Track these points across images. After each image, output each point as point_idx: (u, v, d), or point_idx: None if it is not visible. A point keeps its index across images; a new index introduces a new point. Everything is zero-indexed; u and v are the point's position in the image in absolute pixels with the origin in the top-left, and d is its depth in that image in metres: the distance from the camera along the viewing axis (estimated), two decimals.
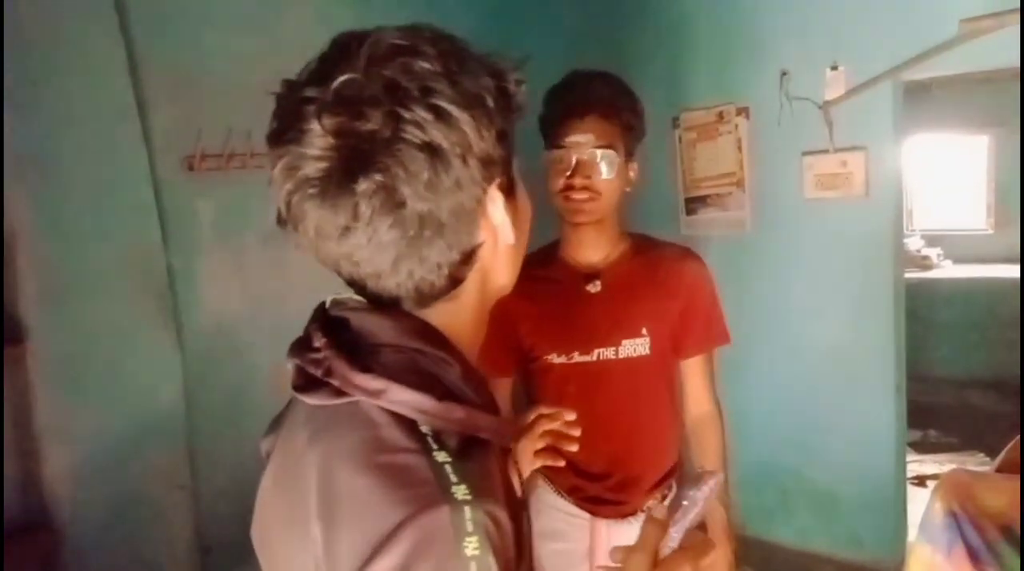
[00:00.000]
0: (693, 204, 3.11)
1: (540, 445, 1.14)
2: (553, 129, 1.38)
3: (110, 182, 2.10)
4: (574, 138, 1.35)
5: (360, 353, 0.65)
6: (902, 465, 2.98)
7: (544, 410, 1.16)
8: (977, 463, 3.78)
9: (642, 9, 3.12)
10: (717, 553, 1.48)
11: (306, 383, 0.66)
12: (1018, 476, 1.50)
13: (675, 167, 3.13)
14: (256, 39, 2.48)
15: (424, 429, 0.61)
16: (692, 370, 1.54)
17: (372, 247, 0.62)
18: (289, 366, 0.69)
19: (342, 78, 0.60)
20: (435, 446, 0.60)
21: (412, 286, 0.66)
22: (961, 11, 2.22)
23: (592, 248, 1.46)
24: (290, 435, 0.71)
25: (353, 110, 0.59)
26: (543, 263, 1.49)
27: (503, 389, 1.51)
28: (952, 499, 1.38)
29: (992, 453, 1.51)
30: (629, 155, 1.43)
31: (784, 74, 2.79)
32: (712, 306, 1.53)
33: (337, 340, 0.66)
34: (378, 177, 0.59)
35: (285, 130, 0.62)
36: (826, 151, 2.75)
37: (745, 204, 2.98)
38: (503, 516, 0.60)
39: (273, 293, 2.48)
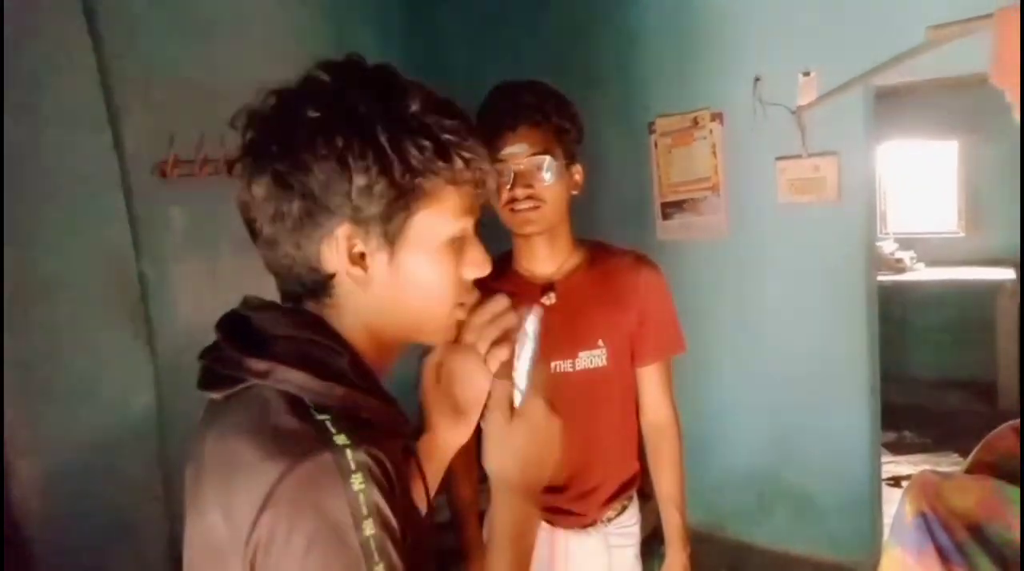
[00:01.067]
0: (669, 209, 3.13)
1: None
2: (487, 143, 1.36)
3: (80, 189, 2.07)
4: (508, 150, 1.33)
5: (256, 344, 0.72)
6: (877, 466, 3.01)
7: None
8: (951, 463, 3.83)
9: (617, 16, 3.14)
10: (672, 558, 1.49)
11: (211, 380, 0.73)
12: (986, 477, 1.52)
13: (651, 172, 3.15)
14: (229, 47, 2.46)
15: (308, 403, 0.67)
16: (649, 378, 1.53)
17: (249, 194, 0.74)
18: (199, 366, 0.76)
19: (279, 97, 0.75)
20: (316, 412, 0.66)
21: (292, 278, 0.76)
22: (932, 18, 2.25)
23: (545, 259, 1.45)
24: (200, 428, 0.76)
25: (252, 129, 0.75)
26: (495, 276, 1.47)
27: None
28: (921, 500, 1.39)
29: (965, 453, 1.53)
30: (570, 159, 1.41)
31: (757, 79, 2.82)
32: (667, 314, 1.53)
33: (236, 334, 0.73)
34: (270, 146, 0.73)
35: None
36: (799, 156, 2.78)
37: (720, 208, 3.01)
38: (387, 461, 0.65)
39: None
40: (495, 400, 0.82)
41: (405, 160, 0.70)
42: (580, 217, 2.59)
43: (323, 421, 0.65)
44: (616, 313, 1.45)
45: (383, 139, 0.70)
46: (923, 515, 1.40)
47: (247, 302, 0.78)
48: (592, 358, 1.43)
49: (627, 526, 1.53)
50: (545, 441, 0.82)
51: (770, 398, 3.07)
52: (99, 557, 2.04)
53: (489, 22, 3.45)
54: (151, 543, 2.19)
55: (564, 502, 1.44)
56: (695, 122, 2.99)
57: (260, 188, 0.72)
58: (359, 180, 0.69)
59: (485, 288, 1.45)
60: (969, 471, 1.64)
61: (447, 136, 0.73)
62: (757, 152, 2.88)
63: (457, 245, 0.78)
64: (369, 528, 0.61)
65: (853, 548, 2.94)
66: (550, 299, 1.43)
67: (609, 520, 1.49)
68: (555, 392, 1.38)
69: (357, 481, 0.62)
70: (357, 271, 0.73)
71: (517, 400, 0.82)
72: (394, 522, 0.63)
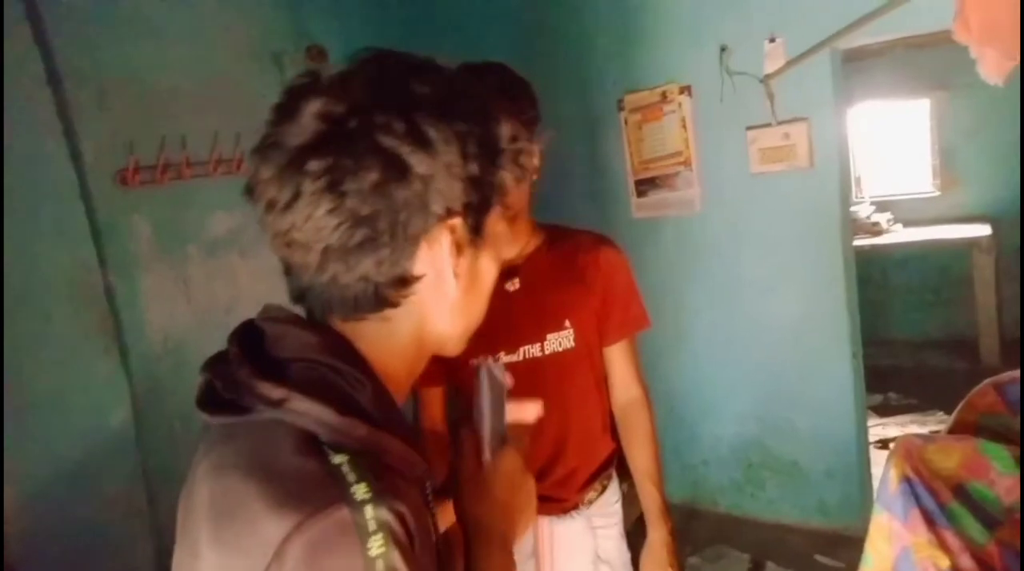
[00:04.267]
0: (643, 186, 3.11)
1: None
2: None
3: (39, 202, 2.02)
4: None
5: (270, 365, 0.64)
6: (863, 431, 3.03)
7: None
8: (937, 422, 3.87)
9: None
10: (653, 534, 1.48)
11: (210, 399, 0.65)
12: (968, 437, 1.52)
13: (623, 150, 3.12)
14: (186, 47, 2.40)
15: (323, 441, 0.59)
16: (616, 356, 1.52)
17: (307, 229, 0.62)
18: (200, 380, 0.67)
19: (345, 70, 0.64)
20: (327, 451, 0.58)
21: (337, 293, 0.65)
22: None
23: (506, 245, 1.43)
24: (198, 452, 0.69)
25: (336, 97, 0.62)
26: None
27: (435, 399, 1.49)
28: (905, 464, 1.39)
29: (951, 412, 1.54)
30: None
31: (723, 49, 2.80)
32: (630, 291, 1.52)
33: (249, 351, 0.65)
34: (329, 160, 0.60)
35: (283, 109, 0.64)
36: (769, 125, 2.76)
37: (694, 182, 2.99)
38: (409, 515, 0.58)
39: (222, 304, 2.42)
40: (464, 451, 0.81)
41: (510, 153, 0.69)
42: (554, 199, 2.58)
43: (339, 466, 0.56)
44: (580, 292, 1.44)
45: (491, 126, 0.67)
46: (907, 479, 1.40)
47: (266, 312, 0.70)
48: (560, 340, 1.42)
49: (609, 506, 1.53)
50: (519, 490, 0.81)
51: (752, 369, 3.07)
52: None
53: (452, 4, 3.39)
54: (140, 558, 2.16)
55: (544, 488, 1.41)
56: (664, 96, 2.96)
57: (374, 173, 0.60)
58: (474, 168, 0.65)
59: None
60: (952, 431, 1.64)
61: (522, 142, 0.72)
62: (727, 123, 2.87)
63: None
64: None
65: (844, 514, 2.96)
66: (514, 285, 1.41)
67: (591, 502, 1.49)
68: (526, 378, 1.37)
69: (376, 545, 0.54)
70: (458, 268, 0.68)
71: (484, 450, 0.81)
72: None
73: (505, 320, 1.38)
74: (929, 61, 4.73)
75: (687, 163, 2.98)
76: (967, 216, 4.96)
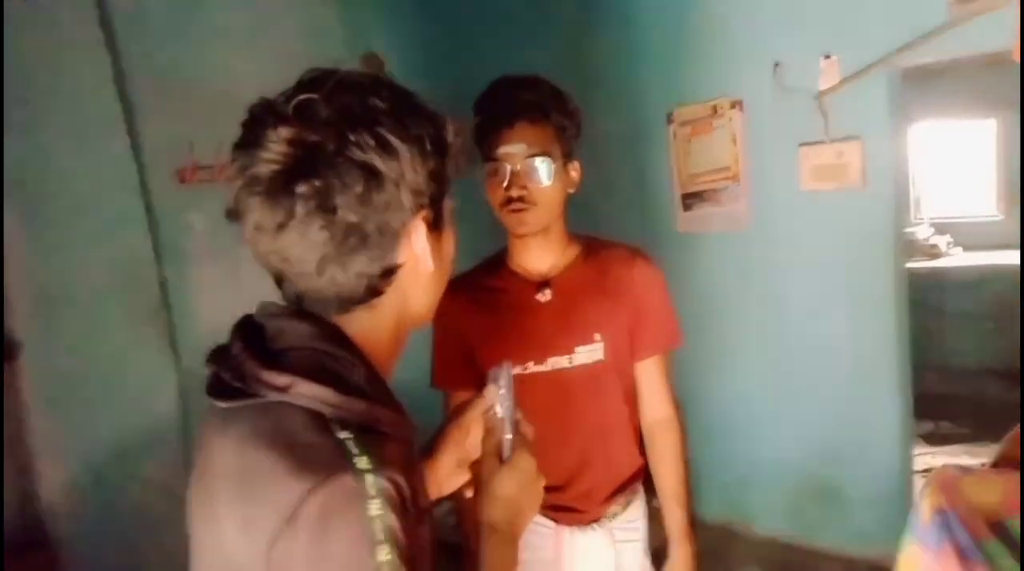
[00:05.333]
0: (690, 200, 3.08)
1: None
2: (485, 140, 1.35)
3: (100, 196, 2.12)
4: (506, 149, 1.31)
5: (273, 355, 0.72)
6: (908, 459, 2.94)
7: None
8: (989, 454, 3.71)
9: (634, 6, 3.09)
10: (675, 553, 1.47)
11: (220, 388, 0.73)
12: (1011, 471, 1.46)
13: (670, 163, 3.10)
14: (246, 51, 2.49)
15: (328, 416, 0.68)
16: (647, 372, 1.50)
17: (302, 245, 0.70)
18: (207, 372, 0.76)
19: (304, 96, 0.70)
20: (337, 427, 0.67)
21: (334, 292, 0.74)
22: None
23: (540, 256, 1.43)
24: (208, 435, 0.76)
25: (307, 124, 0.69)
26: (491, 274, 1.47)
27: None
28: (941, 496, 1.34)
29: None
30: (567, 157, 1.38)
31: (777, 65, 2.76)
32: (664, 307, 1.49)
33: (251, 343, 0.73)
34: (316, 183, 0.68)
35: (247, 136, 0.71)
36: (822, 142, 2.71)
37: (741, 198, 2.95)
38: (403, 482, 0.67)
39: (268, 299, 2.49)
40: (486, 452, 0.89)
41: (457, 142, 0.79)
42: (598, 210, 2.58)
43: (345, 440, 0.66)
44: (612, 307, 1.43)
45: (429, 127, 0.75)
46: (942, 512, 1.36)
47: (263, 308, 0.79)
48: (590, 353, 1.41)
49: (632, 521, 1.51)
50: (531, 490, 0.89)
51: (796, 390, 3.01)
52: (127, 557, 2.09)
53: (502, 16, 3.42)
54: (178, 543, 2.23)
55: (567, 499, 1.43)
56: (714, 110, 2.93)
57: (357, 186, 0.69)
58: (432, 163, 0.75)
59: (482, 287, 1.45)
60: (996, 464, 1.58)
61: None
62: (778, 139, 2.82)
63: None
64: (384, 554, 0.63)
65: (884, 543, 2.84)
66: (545, 295, 1.41)
67: (614, 516, 1.48)
68: (553, 388, 1.38)
69: (375, 507, 0.63)
70: (428, 252, 0.78)
71: (505, 450, 0.89)
72: (406, 544, 0.65)
73: (535, 330, 1.39)
74: (997, 80, 4.57)
75: (735, 178, 2.94)
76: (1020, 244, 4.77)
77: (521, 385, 1.38)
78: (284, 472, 0.64)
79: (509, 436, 0.89)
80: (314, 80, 0.73)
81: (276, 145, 0.68)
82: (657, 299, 1.48)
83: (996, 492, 1.38)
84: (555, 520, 1.44)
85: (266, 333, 0.75)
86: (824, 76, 2.67)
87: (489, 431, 0.92)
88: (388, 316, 0.79)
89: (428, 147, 0.74)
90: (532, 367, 1.40)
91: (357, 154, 0.69)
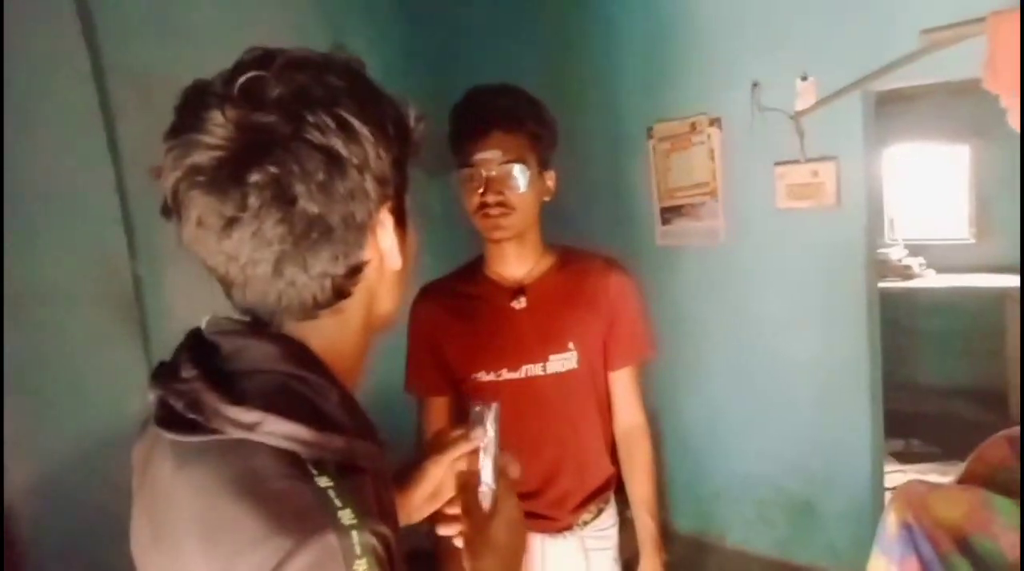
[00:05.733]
0: (668, 214, 3.11)
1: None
2: (460, 147, 1.36)
3: (75, 192, 2.09)
4: (481, 155, 1.33)
5: (231, 381, 0.63)
6: (879, 475, 2.97)
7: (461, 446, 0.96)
8: (958, 473, 3.77)
9: (616, 22, 3.13)
10: (646, 562, 1.48)
11: (171, 417, 0.63)
12: (976, 488, 1.49)
13: (649, 177, 3.13)
14: (225, 49, 2.46)
15: (303, 457, 0.60)
16: (620, 382, 1.52)
17: (256, 242, 0.62)
18: (151, 397, 0.67)
19: (251, 74, 0.62)
20: (315, 472, 0.60)
21: (295, 296, 0.65)
22: (931, 22, 2.22)
23: (515, 263, 1.44)
24: (154, 460, 0.68)
25: (257, 104, 0.60)
26: (467, 280, 1.48)
27: (440, 409, 1.49)
28: (907, 511, 1.37)
29: None
30: (543, 165, 1.40)
31: (755, 85, 2.80)
32: (638, 318, 1.51)
33: (207, 368, 0.64)
34: (272, 169, 0.59)
35: (184, 121, 0.62)
36: (797, 161, 2.75)
37: (719, 214, 2.99)
38: (389, 532, 0.61)
39: None
40: (469, 505, 0.85)
41: (419, 131, 0.71)
42: (577, 221, 2.59)
43: (326, 489, 0.59)
44: (586, 316, 1.44)
45: (390, 110, 0.68)
46: (907, 526, 1.38)
47: (215, 324, 0.69)
48: (563, 361, 1.42)
49: (604, 529, 1.52)
50: (521, 529, 0.86)
51: (768, 405, 3.04)
52: (94, 558, 2.05)
53: (484, 27, 3.45)
54: None
55: (539, 507, 1.43)
56: (693, 127, 2.97)
57: (319, 173, 0.61)
58: (395, 150, 0.68)
59: (457, 293, 1.46)
60: (962, 481, 1.61)
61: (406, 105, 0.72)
62: (755, 157, 2.87)
63: None
64: None
65: (854, 558, 2.89)
66: (520, 303, 1.43)
67: (585, 523, 1.48)
68: (526, 396, 1.39)
69: (361, 568, 0.57)
70: (395, 248, 0.71)
71: (487, 497, 0.85)
72: None
73: (509, 337, 1.40)
74: (970, 108, 4.66)
75: (713, 194, 2.98)
76: (1001, 266, 4.86)
77: (494, 392, 1.40)
78: (258, 529, 0.56)
79: (493, 486, 0.85)
80: (259, 59, 0.64)
81: (220, 129, 0.60)
82: (631, 310, 1.50)
83: (961, 508, 1.41)
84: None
85: (221, 352, 0.66)
86: (801, 97, 2.72)
87: (468, 485, 0.86)
88: (355, 322, 0.71)
89: (391, 131, 0.67)
90: (506, 374, 1.41)
91: (316, 137, 0.60)
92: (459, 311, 1.44)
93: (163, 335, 2.28)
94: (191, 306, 2.54)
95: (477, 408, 0.90)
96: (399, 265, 0.72)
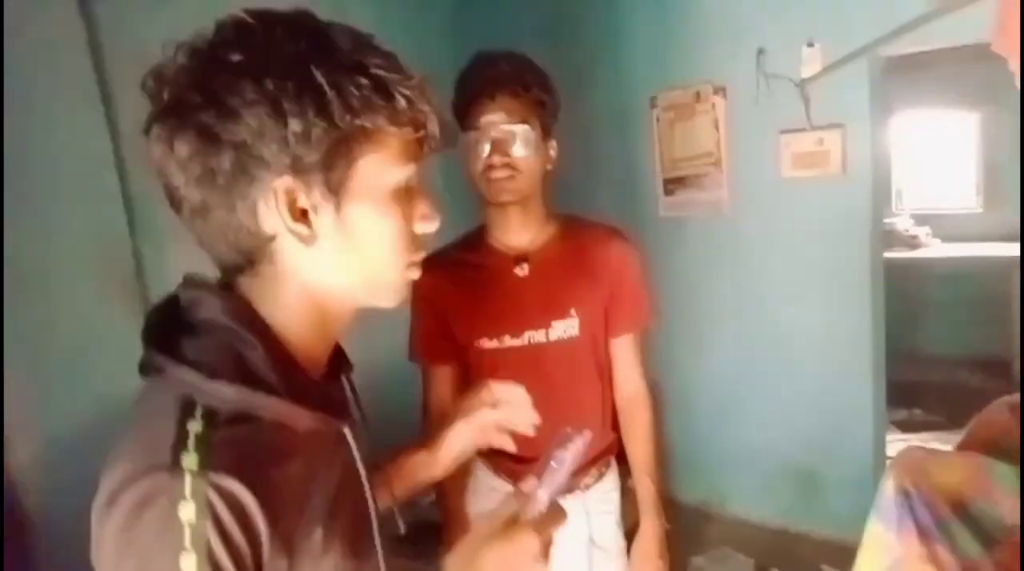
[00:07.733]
0: (672, 185, 3.09)
1: (483, 434, 1.06)
2: (465, 112, 1.36)
3: (74, 168, 2.08)
4: (487, 118, 1.32)
5: (181, 330, 0.69)
6: (881, 444, 2.98)
7: (488, 395, 1.07)
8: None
9: None
10: (646, 525, 1.49)
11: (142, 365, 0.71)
12: (976, 454, 1.49)
13: (653, 147, 3.11)
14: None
15: (197, 401, 0.64)
16: (621, 350, 1.53)
17: (180, 167, 0.67)
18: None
19: (193, 46, 0.67)
20: (196, 416, 0.63)
21: (227, 249, 0.70)
22: None
23: (518, 231, 1.44)
24: None
25: (160, 85, 0.67)
26: (470, 248, 1.49)
27: (444, 378, 1.50)
28: (905, 476, 1.36)
29: None
30: (546, 132, 1.40)
31: (761, 52, 2.76)
32: (639, 286, 1.52)
33: (168, 318, 0.71)
34: (160, 132, 0.67)
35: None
36: (803, 130, 2.72)
37: (723, 184, 2.96)
38: (244, 493, 0.61)
39: None
40: (498, 509, 0.82)
41: (344, 99, 0.65)
42: (581, 190, 2.58)
43: (190, 434, 0.61)
44: (589, 284, 1.45)
45: (319, 78, 0.64)
46: (905, 491, 1.38)
47: (185, 281, 0.74)
48: (566, 328, 1.43)
49: (606, 492, 1.55)
50: (525, 554, 0.79)
51: (772, 375, 3.04)
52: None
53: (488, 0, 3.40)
54: None
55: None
56: (697, 96, 2.94)
57: (184, 146, 0.64)
58: (295, 125, 0.64)
59: (460, 261, 1.45)
60: (962, 447, 1.61)
61: (383, 73, 0.67)
62: (760, 126, 2.83)
63: (405, 195, 0.73)
64: (188, 563, 0.58)
65: (855, 526, 2.87)
66: (523, 270, 1.43)
67: (587, 487, 1.50)
68: (529, 362, 1.39)
69: (188, 511, 0.59)
70: (300, 228, 0.68)
71: (533, 511, 0.80)
72: (228, 563, 0.60)
73: (512, 304, 1.41)
74: (980, 74, 4.60)
75: (717, 164, 2.95)
76: (1009, 235, 4.83)
77: (497, 358, 1.40)
78: (123, 453, 0.62)
79: (543, 506, 0.80)
80: (215, 30, 0.68)
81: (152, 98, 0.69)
82: (633, 278, 1.51)
83: (959, 474, 1.40)
84: None
85: (180, 305, 0.72)
86: (807, 64, 2.68)
87: (522, 494, 0.83)
88: (290, 289, 0.72)
89: (288, 105, 0.63)
90: (508, 340, 1.42)
91: (191, 113, 0.64)
92: (462, 279, 1.44)
93: None
94: None
95: (568, 430, 0.87)
96: (310, 243, 0.69)
